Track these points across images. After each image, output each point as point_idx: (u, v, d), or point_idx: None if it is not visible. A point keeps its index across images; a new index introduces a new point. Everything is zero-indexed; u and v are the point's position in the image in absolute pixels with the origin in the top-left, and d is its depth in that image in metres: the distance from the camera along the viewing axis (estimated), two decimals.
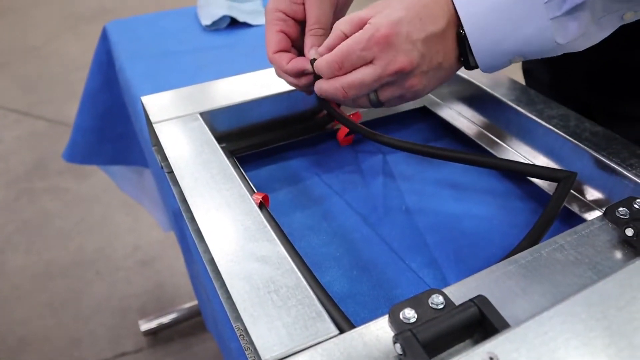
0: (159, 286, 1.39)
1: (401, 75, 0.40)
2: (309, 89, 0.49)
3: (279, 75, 0.50)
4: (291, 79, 0.48)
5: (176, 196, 0.49)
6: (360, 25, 0.40)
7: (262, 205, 0.43)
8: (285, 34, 0.48)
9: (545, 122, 0.50)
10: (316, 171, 0.55)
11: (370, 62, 0.40)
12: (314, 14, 0.47)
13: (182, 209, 0.47)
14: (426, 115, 0.64)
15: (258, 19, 0.92)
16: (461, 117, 0.60)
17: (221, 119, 0.53)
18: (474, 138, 0.57)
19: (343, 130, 0.57)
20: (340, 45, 0.41)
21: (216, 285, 0.39)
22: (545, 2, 0.35)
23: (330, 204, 0.50)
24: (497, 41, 0.38)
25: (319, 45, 0.46)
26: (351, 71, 0.41)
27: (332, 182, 0.53)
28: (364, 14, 0.40)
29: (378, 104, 0.43)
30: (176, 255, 1.46)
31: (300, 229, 0.47)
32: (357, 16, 0.41)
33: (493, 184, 0.53)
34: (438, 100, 0.63)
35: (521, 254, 0.35)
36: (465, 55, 0.40)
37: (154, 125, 0.49)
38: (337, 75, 0.42)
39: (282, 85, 0.55)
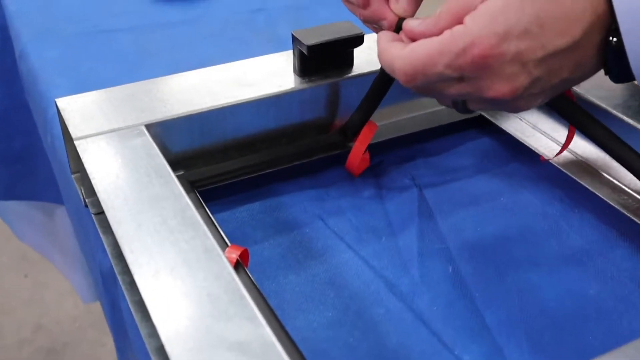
0: None
1: (497, 101, 0.41)
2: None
3: None
4: None
5: (107, 249, 0.49)
6: (460, 17, 0.40)
7: (238, 265, 0.43)
8: None
9: None
10: (319, 213, 0.56)
11: (456, 79, 0.41)
12: None
13: (116, 269, 0.47)
14: (484, 127, 0.65)
15: None
16: (536, 132, 0.61)
17: (178, 133, 0.54)
18: (556, 164, 0.58)
19: (357, 153, 0.58)
20: (419, 49, 0.41)
21: None
22: None
23: (340, 263, 0.51)
24: None
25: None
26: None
27: (342, 230, 0.54)
28: None
29: (464, 110, 0.45)
30: (100, 340, 1.45)
31: (295, 301, 0.48)
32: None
33: (586, 234, 0.53)
34: None
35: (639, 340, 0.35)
36: (613, 67, 0.40)
37: (75, 142, 0.50)
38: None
39: (270, 85, 0.56)
